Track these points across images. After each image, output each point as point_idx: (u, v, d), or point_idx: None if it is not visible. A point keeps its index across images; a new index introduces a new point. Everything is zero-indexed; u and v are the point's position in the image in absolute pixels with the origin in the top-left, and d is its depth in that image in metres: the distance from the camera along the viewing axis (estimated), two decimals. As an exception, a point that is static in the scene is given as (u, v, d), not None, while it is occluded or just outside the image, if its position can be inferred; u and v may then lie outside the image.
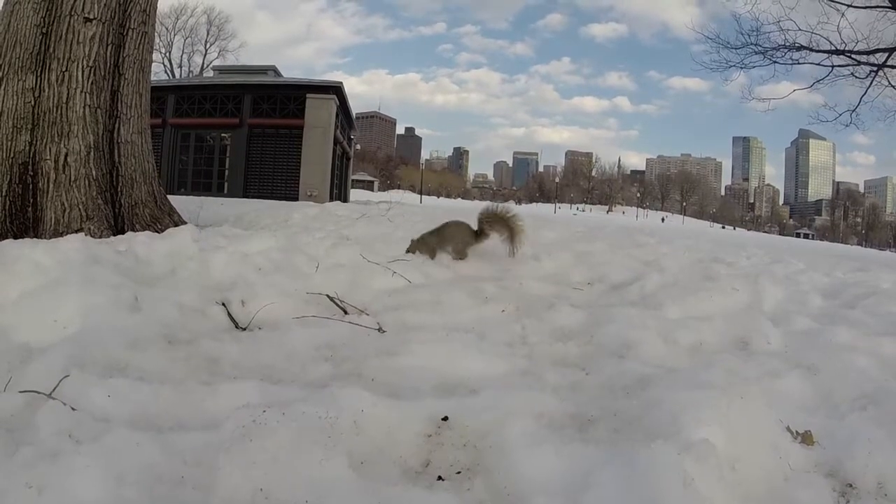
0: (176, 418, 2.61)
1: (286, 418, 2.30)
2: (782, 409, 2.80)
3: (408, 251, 6.66)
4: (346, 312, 4.63)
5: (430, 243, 6.67)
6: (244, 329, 4.22)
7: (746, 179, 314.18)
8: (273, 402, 2.54)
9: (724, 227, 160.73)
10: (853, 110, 30.82)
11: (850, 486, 2.41)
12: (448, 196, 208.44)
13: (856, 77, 30.04)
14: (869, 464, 2.44)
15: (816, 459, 2.53)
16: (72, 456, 2.05)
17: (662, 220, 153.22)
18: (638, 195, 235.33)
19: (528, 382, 3.34)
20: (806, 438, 2.61)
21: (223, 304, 4.52)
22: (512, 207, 6.83)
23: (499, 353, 3.78)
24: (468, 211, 7.83)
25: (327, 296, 4.79)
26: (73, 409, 2.50)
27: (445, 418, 2.60)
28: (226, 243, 6.46)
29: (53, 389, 2.66)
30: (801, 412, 2.95)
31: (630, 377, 3.37)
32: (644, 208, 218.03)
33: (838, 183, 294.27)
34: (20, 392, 2.70)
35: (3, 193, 7.85)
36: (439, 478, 2.32)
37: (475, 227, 6.73)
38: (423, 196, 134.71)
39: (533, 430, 2.50)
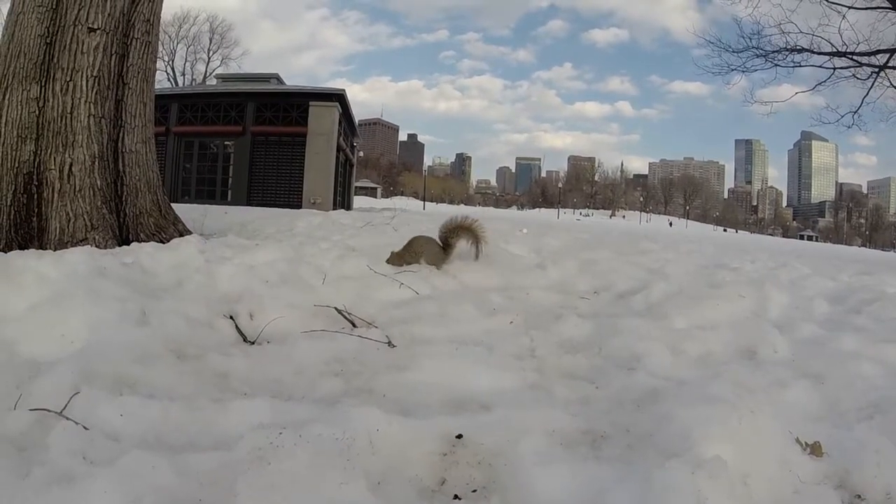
0: (188, 437, 2.60)
1: (303, 440, 2.29)
2: (790, 419, 2.79)
3: (387, 262, 6.65)
4: (354, 325, 4.60)
5: (404, 257, 6.69)
6: (252, 343, 4.21)
7: (749, 182, 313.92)
8: (286, 422, 2.54)
9: (725, 231, 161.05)
10: (855, 112, 30.79)
11: (859, 497, 2.40)
12: (451, 202, 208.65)
13: (857, 78, 30.03)
14: (877, 475, 2.43)
15: (825, 471, 2.51)
16: (88, 479, 2.02)
17: (670, 224, 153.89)
18: (641, 199, 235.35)
19: (539, 397, 3.34)
20: (815, 450, 2.59)
21: (231, 318, 4.51)
22: (474, 216, 7.04)
23: (508, 366, 3.77)
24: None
25: (335, 308, 4.76)
26: (85, 427, 2.49)
27: (460, 436, 2.59)
28: (231, 254, 6.48)
29: (64, 407, 2.65)
30: (809, 422, 2.95)
31: (640, 390, 3.38)
32: (647, 212, 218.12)
33: (841, 184, 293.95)
34: (31, 410, 2.68)
35: (8, 203, 7.87)
36: (455, 497, 2.31)
37: (440, 240, 6.89)
38: (427, 202, 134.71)
39: (546, 447, 2.51)
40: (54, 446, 2.32)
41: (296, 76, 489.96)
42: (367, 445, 2.41)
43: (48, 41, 8.22)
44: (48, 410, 2.64)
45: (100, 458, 2.26)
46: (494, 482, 2.37)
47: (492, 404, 3.08)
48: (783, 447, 2.54)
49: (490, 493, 2.32)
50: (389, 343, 4.14)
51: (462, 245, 6.85)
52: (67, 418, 2.56)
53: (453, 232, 6.80)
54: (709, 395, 2.81)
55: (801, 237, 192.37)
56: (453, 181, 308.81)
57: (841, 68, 30.08)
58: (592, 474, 2.31)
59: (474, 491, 2.35)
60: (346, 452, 2.28)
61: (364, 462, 2.31)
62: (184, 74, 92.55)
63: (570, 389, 3.49)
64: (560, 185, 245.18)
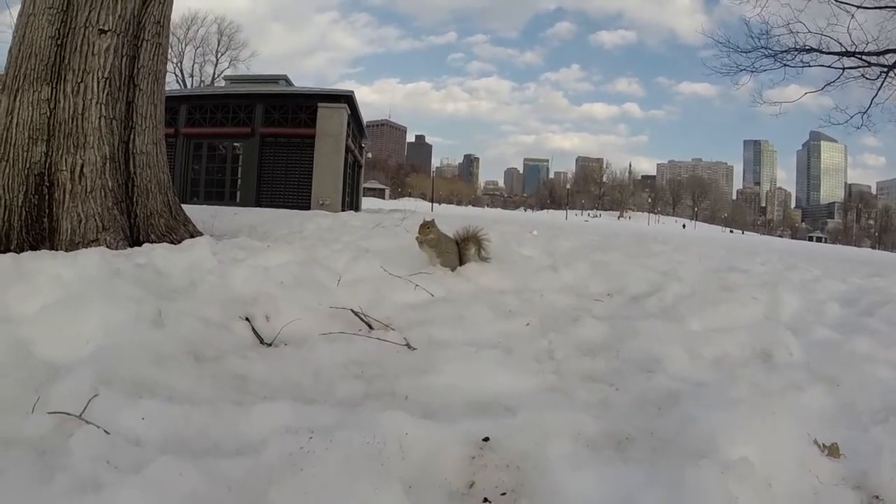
0: (211, 441, 2.59)
1: (334, 445, 2.27)
2: (807, 422, 2.80)
3: (418, 234, 6.76)
4: (371, 327, 4.59)
5: (437, 244, 6.71)
6: (269, 345, 4.20)
7: (758, 183, 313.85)
8: (313, 426, 2.53)
9: (731, 232, 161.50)
10: (864, 112, 30.65)
11: (877, 497, 2.42)
12: (459, 203, 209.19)
13: (866, 78, 29.86)
14: (894, 476, 2.46)
15: (843, 473, 2.53)
16: (115, 486, 2.00)
17: (683, 226, 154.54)
18: (649, 200, 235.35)
19: (561, 400, 3.34)
20: (832, 451, 2.61)
21: (247, 319, 4.49)
22: (481, 225, 7.23)
23: (528, 369, 3.77)
24: (477, 218, 7.78)
25: (352, 310, 4.76)
26: (106, 432, 2.47)
27: (486, 439, 2.58)
28: (244, 256, 6.51)
29: (83, 410, 2.63)
30: (825, 425, 2.95)
31: (660, 393, 3.41)
32: (656, 213, 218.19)
33: (850, 185, 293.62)
34: (49, 413, 2.66)
35: (20, 204, 7.90)
36: (485, 500, 2.32)
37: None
38: (435, 204, 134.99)
39: (573, 450, 2.52)
40: (77, 451, 2.31)
41: (305, 78, 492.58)
42: (398, 450, 2.41)
43: (59, 43, 8.26)
44: (67, 413, 2.63)
45: (124, 463, 2.25)
46: (523, 485, 2.37)
47: (515, 407, 3.08)
48: (802, 449, 2.56)
49: (519, 497, 2.32)
50: (408, 345, 4.13)
51: (472, 252, 6.97)
52: (88, 422, 2.54)
53: (468, 241, 6.95)
54: (729, 398, 2.85)
55: (811, 239, 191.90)
56: (461, 182, 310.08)
57: (850, 68, 29.99)
58: (620, 477, 2.33)
59: (503, 494, 2.35)
60: (377, 457, 2.27)
61: (396, 466, 2.31)
62: (192, 76, 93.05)
63: (591, 392, 3.50)
64: (568, 186, 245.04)
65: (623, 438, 2.78)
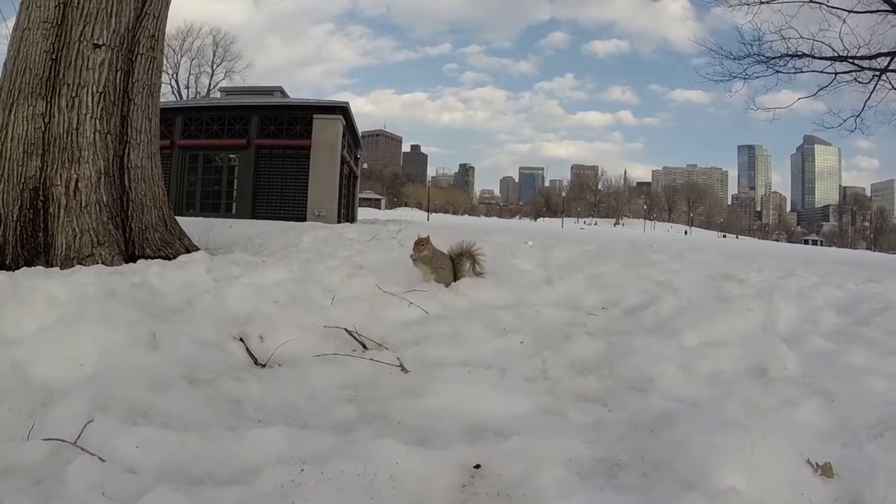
0: (205, 468, 2.57)
1: (325, 477, 2.27)
2: (802, 440, 2.79)
3: (412, 252, 6.77)
4: (365, 347, 4.59)
5: (431, 260, 6.74)
6: (263, 365, 4.19)
7: (753, 188, 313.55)
8: (305, 455, 2.55)
9: (725, 237, 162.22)
10: (857, 115, 30.81)
11: (871, 518, 2.39)
12: (455, 213, 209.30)
13: (859, 82, 30.03)
14: (888, 495, 2.44)
15: (837, 493, 2.51)
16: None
17: (685, 232, 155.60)
18: (645, 207, 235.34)
19: (554, 422, 3.33)
20: (826, 471, 2.59)
21: (241, 340, 4.49)
22: (475, 242, 7.20)
23: (521, 390, 3.76)
24: (473, 227, 7.75)
25: (346, 330, 4.75)
26: (102, 459, 2.46)
27: (478, 466, 2.57)
28: (240, 272, 6.48)
29: (78, 437, 2.63)
30: (820, 442, 2.94)
31: (653, 413, 3.37)
32: (651, 220, 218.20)
33: (845, 188, 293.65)
34: (44, 440, 2.65)
35: (15, 219, 7.89)
36: (476, 528, 2.29)
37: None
38: (431, 213, 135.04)
39: (564, 477, 2.50)
40: (73, 480, 2.30)
41: (301, 89, 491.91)
42: (389, 480, 2.39)
43: (54, 57, 8.26)
44: (62, 441, 2.62)
45: (119, 493, 2.24)
46: (513, 513, 2.35)
47: (508, 431, 3.06)
48: (795, 470, 2.54)
49: (510, 524, 2.30)
50: (402, 367, 4.12)
51: (467, 267, 7.02)
52: (83, 450, 2.53)
53: (462, 256, 6.99)
54: (722, 420, 2.82)
55: (806, 242, 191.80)
56: (457, 191, 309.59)
57: (842, 73, 30.14)
58: (611, 505, 2.30)
59: (494, 523, 2.32)
60: (369, 489, 2.27)
61: (386, 497, 2.30)
62: (188, 87, 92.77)
63: (584, 413, 3.48)
64: (564, 194, 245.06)
65: (614, 464, 2.76)
